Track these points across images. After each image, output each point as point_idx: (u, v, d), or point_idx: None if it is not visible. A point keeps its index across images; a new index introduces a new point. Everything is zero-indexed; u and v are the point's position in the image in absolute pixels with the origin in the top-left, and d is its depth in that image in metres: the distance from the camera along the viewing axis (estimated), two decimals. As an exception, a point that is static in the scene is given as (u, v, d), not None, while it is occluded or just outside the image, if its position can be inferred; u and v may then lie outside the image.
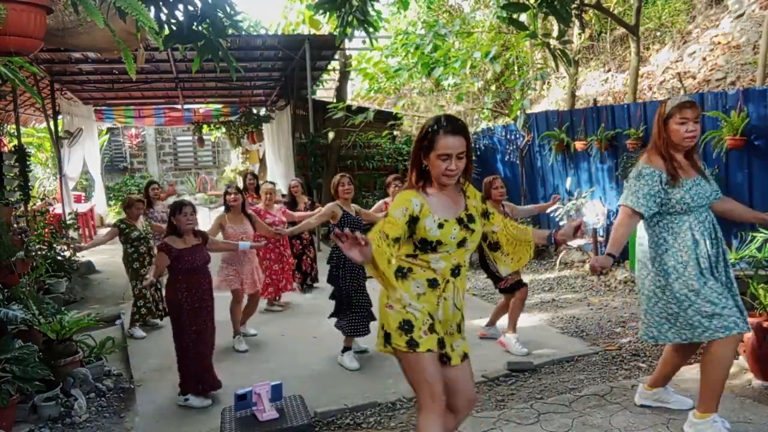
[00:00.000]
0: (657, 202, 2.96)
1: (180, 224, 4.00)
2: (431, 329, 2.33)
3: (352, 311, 4.60)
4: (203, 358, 4.04)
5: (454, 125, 2.29)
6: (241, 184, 10.15)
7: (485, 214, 2.54)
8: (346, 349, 4.59)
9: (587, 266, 7.16)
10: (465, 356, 2.45)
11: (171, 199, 7.21)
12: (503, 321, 4.93)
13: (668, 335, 3.01)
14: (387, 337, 2.36)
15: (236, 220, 5.25)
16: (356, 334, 4.61)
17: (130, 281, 5.84)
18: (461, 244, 2.36)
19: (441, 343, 2.36)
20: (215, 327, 4.22)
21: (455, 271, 2.38)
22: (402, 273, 2.37)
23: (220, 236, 5.16)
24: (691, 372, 3.74)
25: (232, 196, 5.25)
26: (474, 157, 8.88)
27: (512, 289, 4.68)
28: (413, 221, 2.32)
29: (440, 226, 2.31)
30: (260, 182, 7.80)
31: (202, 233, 4.28)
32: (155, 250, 5.70)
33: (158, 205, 7.11)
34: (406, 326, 2.30)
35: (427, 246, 2.33)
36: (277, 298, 6.39)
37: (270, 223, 5.79)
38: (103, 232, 13.23)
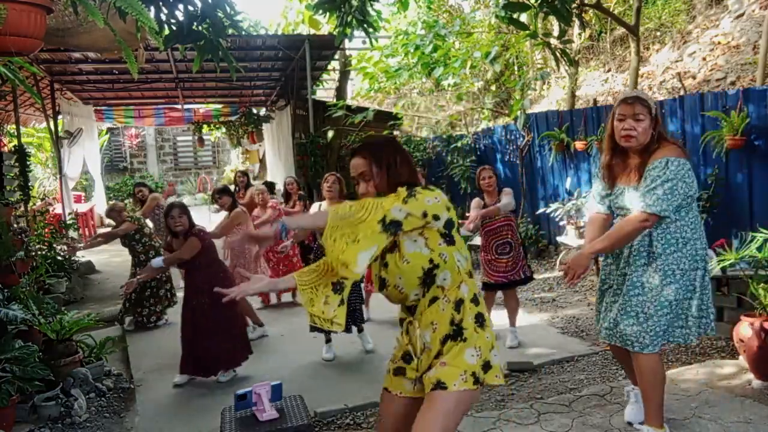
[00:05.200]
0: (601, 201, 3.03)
1: (170, 226, 4.32)
2: (397, 372, 2.20)
3: None
4: (193, 347, 4.32)
5: (357, 148, 2.24)
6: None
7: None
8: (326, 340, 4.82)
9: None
10: (438, 384, 2.02)
11: (171, 199, 7.27)
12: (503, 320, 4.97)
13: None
14: None
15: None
16: (311, 328, 4.74)
17: None
18: (381, 286, 2.21)
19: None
20: (212, 325, 4.29)
21: (411, 310, 2.18)
22: None
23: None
24: (690, 372, 3.74)
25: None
26: (473, 158, 8.97)
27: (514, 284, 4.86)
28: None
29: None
30: (258, 182, 7.87)
31: (195, 235, 4.36)
32: (143, 256, 5.92)
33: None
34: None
35: None
36: (278, 298, 6.53)
37: (257, 225, 5.94)
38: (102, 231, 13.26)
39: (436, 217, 2.05)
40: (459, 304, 2.09)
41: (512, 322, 4.88)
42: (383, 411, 2.26)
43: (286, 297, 6.59)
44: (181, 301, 4.69)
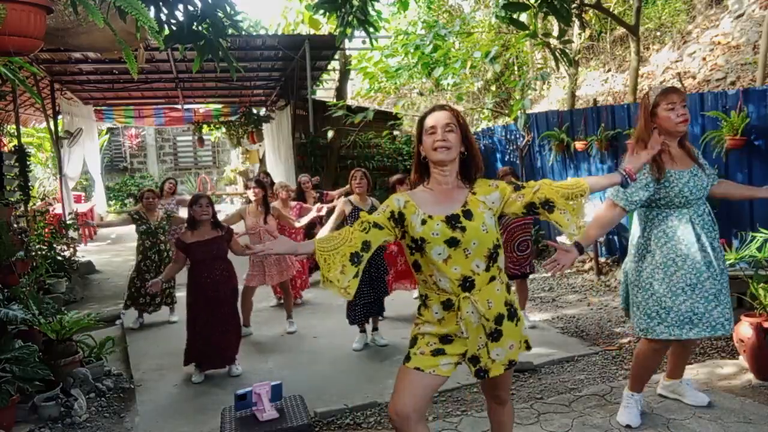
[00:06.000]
0: (642, 196, 2.89)
1: (195, 215, 4.37)
2: (437, 352, 2.27)
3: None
4: (206, 341, 4.33)
5: (438, 106, 2.36)
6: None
7: (508, 191, 2.35)
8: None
9: (587, 266, 7.16)
10: (510, 364, 2.33)
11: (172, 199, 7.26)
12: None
13: (657, 330, 2.93)
14: None
15: (257, 214, 5.48)
16: (351, 321, 4.94)
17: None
18: (451, 243, 2.21)
19: (474, 360, 2.29)
20: (229, 316, 4.38)
21: (465, 285, 2.23)
22: (423, 300, 2.37)
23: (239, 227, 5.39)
24: (690, 372, 3.74)
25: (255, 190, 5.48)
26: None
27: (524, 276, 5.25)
28: (401, 219, 2.27)
29: (423, 222, 2.23)
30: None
31: (227, 228, 4.51)
32: (163, 245, 5.90)
33: (167, 199, 7.18)
34: (412, 342, 2.35)
35: (416, 246, 2.26)
36: (299, 298, 6.55)
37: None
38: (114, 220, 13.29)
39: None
40: (508, 287, 2.37)
41: (523, 306, 5.28)
42: (405, 387, 2.24)
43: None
44: (182, 299, 4.69)
